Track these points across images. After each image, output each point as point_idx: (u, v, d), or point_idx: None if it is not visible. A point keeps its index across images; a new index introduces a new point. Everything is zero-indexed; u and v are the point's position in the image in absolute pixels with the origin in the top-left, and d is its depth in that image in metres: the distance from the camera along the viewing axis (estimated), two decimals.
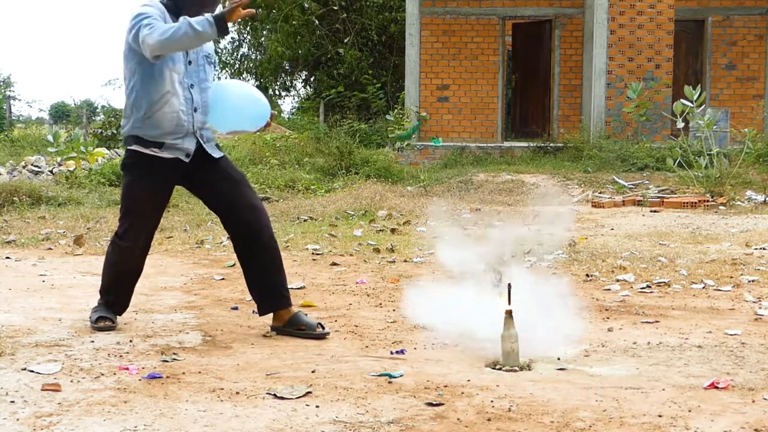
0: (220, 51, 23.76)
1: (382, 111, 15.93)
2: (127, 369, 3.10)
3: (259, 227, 3.67)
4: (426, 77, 15.13)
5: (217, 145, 3.79)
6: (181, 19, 3.35)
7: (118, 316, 3.87)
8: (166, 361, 3.24)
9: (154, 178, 3.64)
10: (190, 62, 3.59)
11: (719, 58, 15.19)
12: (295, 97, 25.69)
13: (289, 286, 3.84)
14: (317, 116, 17.58)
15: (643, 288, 4.80)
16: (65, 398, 2.77)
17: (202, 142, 3.66)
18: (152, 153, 3.59)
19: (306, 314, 3.78)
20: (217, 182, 3.69)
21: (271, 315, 3.78)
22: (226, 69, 24.11)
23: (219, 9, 3.57)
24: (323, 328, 3.70)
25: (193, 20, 3.31)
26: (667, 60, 14.09)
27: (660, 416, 2.60)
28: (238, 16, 3.29)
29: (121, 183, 3.79)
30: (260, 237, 3.67)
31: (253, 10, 3.44)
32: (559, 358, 3.32)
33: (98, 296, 3.91)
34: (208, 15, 3.33)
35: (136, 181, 3.66)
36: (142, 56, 3.49)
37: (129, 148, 3.65)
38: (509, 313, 3.22)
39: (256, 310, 3.85)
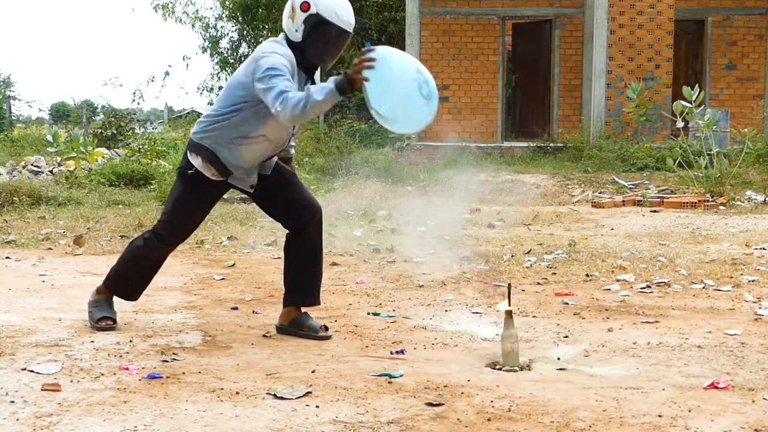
0: (220, 51, 23.73)
1: None
2: (127, 369, 3.10)
3: (310, 222, 3.71)
4: None
5: None
6: (308, 91, 3.24)
7: (133, 301, 3.91)
8: (166, 361, 3.24)
9: (206, 193, 3.65)
10: None
11: (719, 58, 15.18)
12: None
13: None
14: (317, 116, 17.58)
15: (643, 288, 4.80)
16: (65, 398, 2.77)
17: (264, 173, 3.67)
18: (211, 177, 3.57)
19: (311, 317, 3.78)
20: (269, 187, 3.70)
21: (270, 316, 3.78)
22: (226, 68, 24.09)
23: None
24: (327, 330, 3.70)
25: (318, 93, 3.19)
26: (667, 60, 14.09)
27: (660, 416, 2.60)
28: (359, 83, 3.17)
29: (174, 184, 3.76)
30: (308, 232, 3.72)
31: (373, 64, 3.16)
32: (559, 358, 3.32)
33: (103, 287, 3.84)
34: (331, 84, 3.19)
35: (188, 191, 3.63)
36: (259, 99, 3.39)
37: (191, 160, 3.57)
38: (509, 314, 3.23)
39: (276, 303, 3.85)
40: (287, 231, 3.78)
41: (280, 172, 3.73)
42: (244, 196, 4.17)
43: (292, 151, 3.85)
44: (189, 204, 3.66)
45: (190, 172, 3.60)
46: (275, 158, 3.73)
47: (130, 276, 3.82)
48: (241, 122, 3.48)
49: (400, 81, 3.23)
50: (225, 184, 3.64)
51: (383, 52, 3.21)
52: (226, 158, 3.53)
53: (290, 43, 3.48)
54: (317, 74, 3.77)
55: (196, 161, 3.57)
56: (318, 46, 3.45)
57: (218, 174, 3.56)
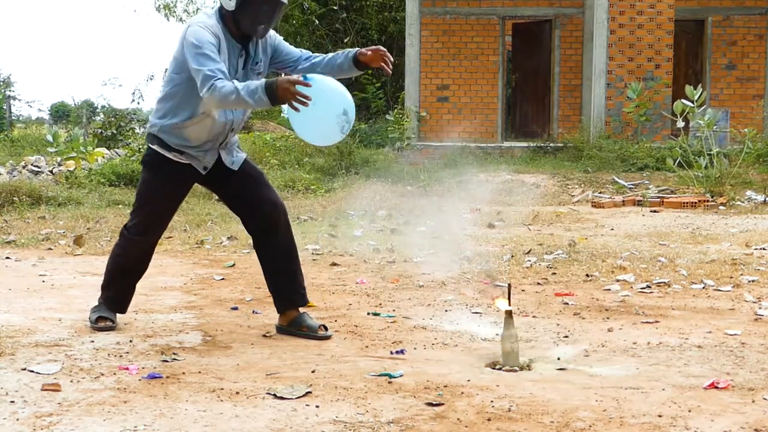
0: None
1: (382, 111, 15.92)
2: (127, 369, 3.11)
3: (277, 224, 3.69)
4: (426, 77, 15.12)
5: (238, 146, 3.78)
6: (238, 86, 3.25)
7: (119, 314, 3.87)
8: (166, 361, 3.24)
9: (171, 178, 3.66)
10: (238, 80, 3.50)
11: (719, 58, 15.18)
12: None
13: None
14: None
15: (643, 288, 4.80)
16: (65, 398, 2.77)
17: (223, 157, 3.67)
18: (171, 157, 3.61)
19: (311, 317, 3.78)
20: (234, 184, 3.72)
21: (270, 316, 3.78)
22: None
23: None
24: (326, 330, 3.71)
25: (250, 95, 3.22)
26: (667, 60, 14.08)
27: (660, 416, 2.60)
28: (290, 99, 3.19)
29: (139, 177, 3.82)
30: (277, 234, 3.70)
31: (307, 103, 3.21)
32: (559, 358, 3.32)
33: (99, 294, 3.90)
34: (263, 95, 3.21)
35: (152, 178, 3.69)
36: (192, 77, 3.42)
37: (151, 146, 3.66)
38: (509, 314, 3.23)
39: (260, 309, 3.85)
40: (255, 238, 3.76)
41: (248, 171, 3.73)
42: None
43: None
44: (152, 189, 3.69)
45: (148, 157, 3.68)
46: (243, 155, 3.74)
47: (113, 279, 3.82)
48: (180, 108, 3.51)
49: (324, 121, 3.33)
50: (188, 168, 3.63)
51: (317, 90, 3.25)
52: (171, 141, 3.58)
53: (225, 13, 3.49)
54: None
55: (154, 147, 3.65)
56: (251, 15, 3.44)
57: (175, 156, 3.60)
